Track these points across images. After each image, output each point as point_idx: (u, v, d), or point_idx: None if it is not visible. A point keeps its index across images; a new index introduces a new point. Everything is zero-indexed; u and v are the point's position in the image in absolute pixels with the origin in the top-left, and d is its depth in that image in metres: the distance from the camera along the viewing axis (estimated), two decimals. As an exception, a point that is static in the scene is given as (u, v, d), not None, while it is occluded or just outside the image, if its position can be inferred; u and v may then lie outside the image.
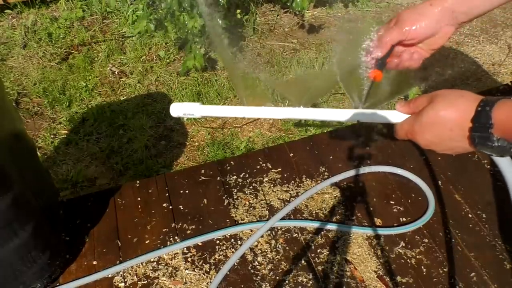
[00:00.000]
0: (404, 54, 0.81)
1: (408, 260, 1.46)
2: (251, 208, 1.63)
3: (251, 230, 1.56)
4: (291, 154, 1.84)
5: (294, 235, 1.54)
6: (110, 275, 1.43)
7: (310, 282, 1.40)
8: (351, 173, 1.73)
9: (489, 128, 0.59)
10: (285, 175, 1.75)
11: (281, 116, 0.86)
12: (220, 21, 2.60)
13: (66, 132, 2.54)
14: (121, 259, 1.47)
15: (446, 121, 0.64)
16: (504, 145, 0.59)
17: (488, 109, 0.59)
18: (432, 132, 0.66)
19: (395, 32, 0.76)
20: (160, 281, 1.41)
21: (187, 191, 1.70)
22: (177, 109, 0.89)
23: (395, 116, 0.75)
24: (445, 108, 0.64)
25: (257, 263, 1.46)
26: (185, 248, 1.50)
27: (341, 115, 0.81)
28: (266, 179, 1.74)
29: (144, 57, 3.09)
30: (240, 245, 1.50)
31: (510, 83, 2.24)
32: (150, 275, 1.43)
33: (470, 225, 1.55)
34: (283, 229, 1.56)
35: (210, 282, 1.39)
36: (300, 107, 0.84)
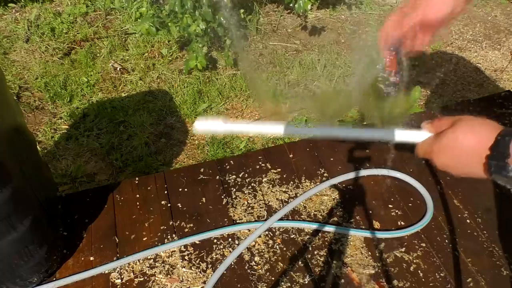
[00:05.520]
0: (419, 35, 0.82)
1: (405, 264, 1.45)
2: (249, 208, 1.63)
3: (249, 230, 1.56)
4: (291, 155, 1.84)
5: (292, 236, 1.54)
6: (107, 271, 1.43)
7: (307, 283, 1.40)
8: (350, 175, 1.73)
9: (506, 158, 0.59)
10: (284, 176, 1.75)
11: (306, 134, 0.85)
12: (223, 21, 2.61)
13: (67, 127, 2.54)
14: (118, 255, 1.47)
15: (465, 147, 0.65)
16: None
17: (508, 139, 0.59)
18: (449, 155, 0.68)
19: (414, 15, 0.78)
20: (156, 278, 1.41)
21: (186, 189, 1.70)
22: (202, 125, 0.86)
23: (416, 136, 0.76)
24: (465, 133, 0.65)
25: (254, 263, 1.46)
26: (183, 246, 1.50)
27: (364, 133, 0.82)
28: (265, 179, 1.74)
29: (146, 54, 3.09)
30: (238, 244, 1.50)
31: (511, 90, 2.24)
32: (147, 272, 1.43)
33: (468, 231, 1.55)
34: (280, 230, 1.56)
35: (207, 280, 1.39)
36: (327, 125, 0.84)
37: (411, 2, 0.79)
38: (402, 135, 0.77)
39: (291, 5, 3.10)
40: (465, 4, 0.78)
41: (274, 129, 0.85)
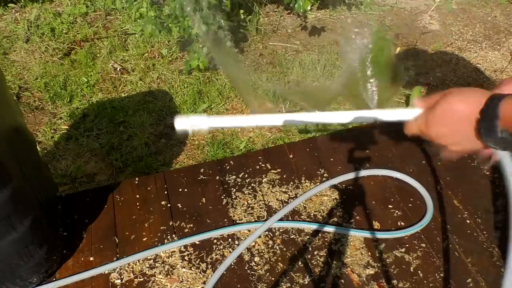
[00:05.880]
0: None
1: (405, 265, 1.45)
2: (249, 208, 1.63)
3: (249, 230, 1.56)
4: (291, 155, 1.84)
5: (292, 237, 1.54)
6: (106, 272, 1.43)
7: (307, 283, 1.40)
8: (350, 175, 1.73)
9: (495, 119, 0.61)
10: (284, 176, 1.75)
11: (291, 121, 0.84)
12: (223, 23, 2.60)
13: (67, 127, 2.54)
14: (118, 255, 1.47)
15: (457, 112, 0.67)
16: (507, 138, 0.62)
17: (496, 101, 0.62)
18: (443, 123, 0.69)
19: None
20: (156, 278, 1.41)
21: (185, 190, 1.69)
22: (183, 122, 0.83)
23: (407, 114, 0.77)
24: (457, 100, 0.68)
25: (254, 264, 1.46)
26: (182, 247, 1.50)
27: (353, 116, 0.81)
28: (265, 179, 1.74)
29: (146, 54, 3.09)
30: (238, 245, 1.50)
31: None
32: (147, 272, 1.43)
33: (468, 231, 1.55)
34: (280, 230, 1.56)
35: (207, 281, 1.39)
36: (315, 111, 0.83)
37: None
38: (395, 114, 0.78)
39: (291, 5, 3.10)
40: None
41: (261, 121, 0.83)
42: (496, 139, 0.63)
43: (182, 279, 1.41)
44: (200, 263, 1.46)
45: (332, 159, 1.82)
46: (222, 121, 0.89)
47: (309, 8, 3.07)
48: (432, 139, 0.72)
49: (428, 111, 0.72)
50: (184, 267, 1.44)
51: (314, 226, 1.56)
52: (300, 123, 0.84)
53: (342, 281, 1.41)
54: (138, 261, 1.46)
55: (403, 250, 1.50)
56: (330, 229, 1.55)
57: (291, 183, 1.73)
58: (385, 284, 1.40)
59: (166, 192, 1.68)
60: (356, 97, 0.84)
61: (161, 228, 1.56)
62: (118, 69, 2.96)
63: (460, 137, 0.69)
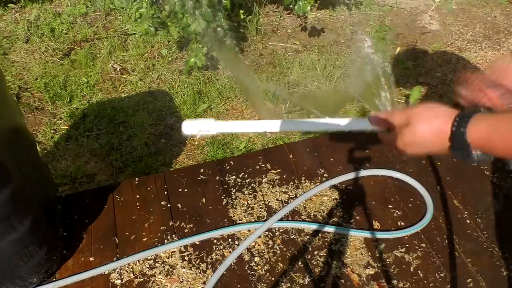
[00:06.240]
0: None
1: (405, 265, 1.45)
2: (249, 209, 1.63)
3: (249, 231, 1.56)
4: (291, 156, 1.84)
5: (292, 237, 1.54)
6: (106, 272, 1.43)
7: (307, 283, 1.40)
8: (350, 175, 1.73)
9: (467, 148, 0.62)
10: (284, 176, 1.75)
11: (298, 127, 0.86)
12: (222, 21, 2.60)
13: (67, 127, 2.54)
14: (118, 256, 1.47)
15: (426, 142, 0.68)
16: (485, 157, 0.63)
17: (462, 130, 0.62)
18: (415, 150, 0.71)
19: (499, 85, 0.78)
20: (156, 279, 1.41)
21: (185, 190, 1.69)
22: (191, 127, 0.82)
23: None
24: (422, 131, 0.68)
25: (254, 264, 1.46)
26: (183, 247, 1.50)
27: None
28: (265, 179, 1.74)
29: (146, 54, 3.09)
30: (238, 245, 1.50)
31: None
32: (147, 272, 1.43)
33: (468, 231, 1.55)
34: (280, 230, 1.56)
35: (207, 281, 1.39)
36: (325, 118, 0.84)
37: (497, 71, 0.79)
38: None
39: (291, 6, 3.10)
40: None
41: (269, 127, 0.84)
42: (474, 161, 0.64)
43: (182, 279, 1.41)
44: (200, 263, 1.46)
45: (332, 159, 1.82)
46: (229, 126, 0.88)
47: (308, 9, 3.07)
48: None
49: (396, 137, 0.73)
50: (184, 267, 1.44)
51: (314, 226, 1.56)
52: (306, 129, 0.85)
53: (342, 281, 1.41)
54: (138, 261, 1.46)
55: (403, 250, 1.49)
56: (330, 229, 1.55)
57: (291, 183, 1.72)
58: (385, 284, 1.40)
59: (166, 192, 1.68)
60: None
61: (161, 228, 1.56)
62: (118, 69, 2.96)
63: (438, 153, 0.70)
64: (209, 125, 0.82)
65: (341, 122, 0.80)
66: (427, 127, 0.67)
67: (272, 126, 0.85)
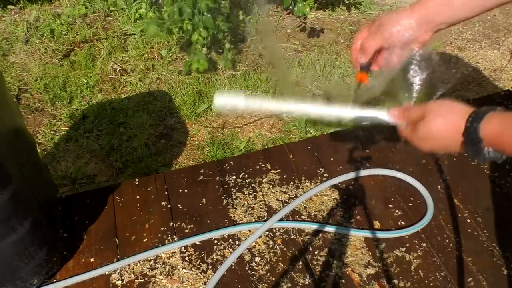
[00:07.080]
0: (385, 55, 0.84)
1: (405, 264, 1.45)
2: (249, 209, 1.63)
3: (249, 231, 1.56)
4: (291, 155, 1.84)
5: (292, 237, 1.54)
6: (107, 273, 1.43)
7: (307, 283, 1.40)
8: (350, 175, 1.73)
9: (479, 143, 0.63)
10: (284, 176, 1.75)
11: (319, 113, 0.88)
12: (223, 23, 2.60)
13: (66, 128, 2.54)
14: (118, 256, 1.47)
15: (440, 137, 0.70)
16: (496, 155, 0.64)
17: (476, 125, 0.63)
18: (429, 145, 0.73)
19: (377, 39, 0.80)
20: (157, 279, 1.41)
21: (186, 190, 1.69)
22: (222, 99, 0.89)
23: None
24: (436, 125, 0.69)
25: (255, 264, 1.46)
26: (183, 247, 1.50)
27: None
28: (265, 179, 1.74)
29: (146, 55, 3.09)
30: (238, 245, 1.50)
31: (511, 89, 2.24)
32: (148, 273, 1.43)
33: (469, 230, 1.55)
34: (281, 230, 1.56)
35: (207, 281, 1.39)
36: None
37: (378, 22, 0.80)
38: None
39: (290, 7, 3.10)
40: (433, 33, 0.79)
41: (288, 107, 0.89)
42: (486, 158, 0.65)
43: (183, 279, 1.41)
44: (201, 263, 1.46)
45: (332, 159, 1.82)
46: (257, 102, 0.93)
47: (308, 10, 3.07)
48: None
49: (411, 132, 0.74)
50: (184, 268, 1.44)
51: (314, 226, 1.56)
52: (328, 116, 0.88)
53: (343, 281, 1.41)
54: (139, 262, 1.46)
55: (403, 249, 1.49)
56: (330, 229, 1.55)
57: (291, 183, 1.72)
58: (386, 283, 1.40)
59: (166, 193, 1.68)
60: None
61: (162, 228, 1.56)
62: (117, 70, 2.96)
63: (449, 150, 0.72)
64: (238, 99, 0.88)
65: (364, 113, 0.83)
66: (442, 121, 0.69)
67: (295, 108, 0.89)
